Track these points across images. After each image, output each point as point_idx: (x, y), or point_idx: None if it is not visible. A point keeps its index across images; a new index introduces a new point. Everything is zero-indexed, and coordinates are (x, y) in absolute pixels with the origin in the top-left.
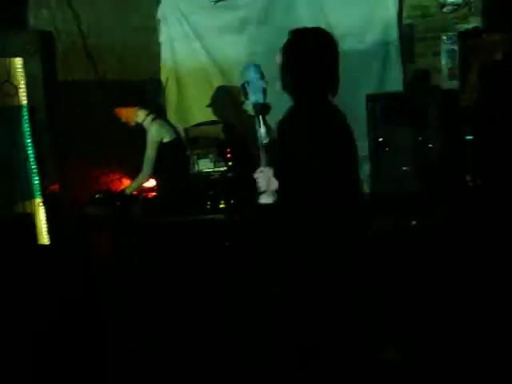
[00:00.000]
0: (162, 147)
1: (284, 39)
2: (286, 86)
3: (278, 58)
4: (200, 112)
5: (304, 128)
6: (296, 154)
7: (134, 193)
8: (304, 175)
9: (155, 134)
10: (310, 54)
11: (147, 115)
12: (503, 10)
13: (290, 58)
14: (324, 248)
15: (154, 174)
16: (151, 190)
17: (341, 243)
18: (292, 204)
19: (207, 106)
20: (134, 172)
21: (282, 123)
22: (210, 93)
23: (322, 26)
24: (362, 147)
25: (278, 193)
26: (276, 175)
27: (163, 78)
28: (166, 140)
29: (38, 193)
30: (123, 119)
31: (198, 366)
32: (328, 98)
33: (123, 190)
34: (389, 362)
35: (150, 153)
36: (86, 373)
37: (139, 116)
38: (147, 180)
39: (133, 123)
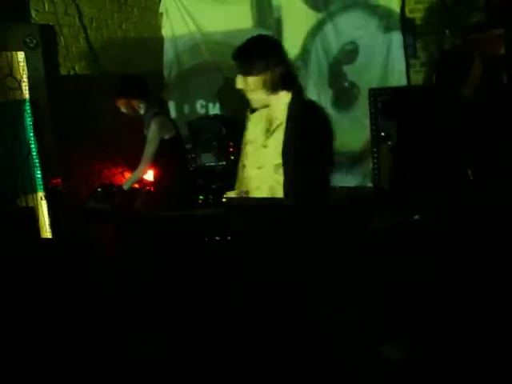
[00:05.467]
0: (162, 143)
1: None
2: None
3: None
4: (202, 106)
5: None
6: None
7: (136, 186)
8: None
9: (157, 130)
10: None
11: (149, 109)
12: (506, 5)
13: None
14: None
15: (153, 169)
16: (153, 184)
17: None
18: None
19: (211, 98)
20: (136, 166)
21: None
22: (213, 87)
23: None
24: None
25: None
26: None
27: (165, 71)
28: (166, 137)
29: (41, 186)
30: (125, 110)
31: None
32: None
33: (122, 185)
34: (385, 359)
35: (150, 148)
36: (88, 368)
37: (142, 109)
38: (145, 174)
39: (134, 115)
